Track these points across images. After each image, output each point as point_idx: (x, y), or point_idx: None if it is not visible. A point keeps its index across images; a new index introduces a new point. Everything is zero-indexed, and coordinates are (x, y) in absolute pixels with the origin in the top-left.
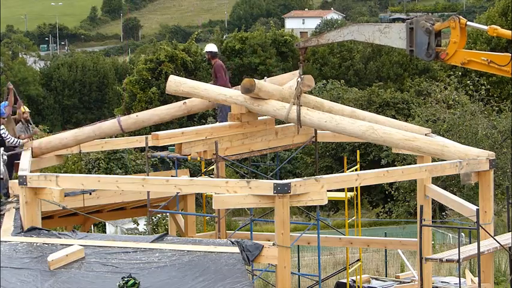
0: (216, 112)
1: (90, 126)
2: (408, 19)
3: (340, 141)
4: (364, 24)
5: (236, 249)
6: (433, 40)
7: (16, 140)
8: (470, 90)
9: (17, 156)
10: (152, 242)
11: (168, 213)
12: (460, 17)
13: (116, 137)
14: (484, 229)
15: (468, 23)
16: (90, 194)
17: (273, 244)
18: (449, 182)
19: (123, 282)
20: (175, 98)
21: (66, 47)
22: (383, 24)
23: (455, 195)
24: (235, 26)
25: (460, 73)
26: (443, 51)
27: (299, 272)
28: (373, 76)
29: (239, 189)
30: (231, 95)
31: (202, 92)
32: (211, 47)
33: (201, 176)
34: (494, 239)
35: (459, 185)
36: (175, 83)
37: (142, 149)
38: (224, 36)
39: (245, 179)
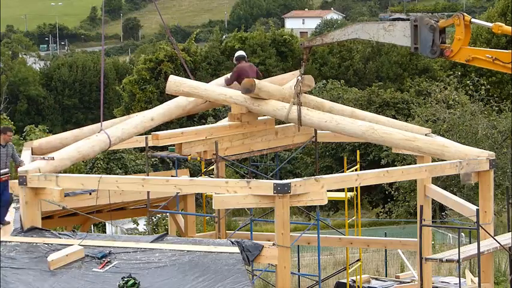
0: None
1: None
2: (408, 19)
3: (340, 141)
4: (369, 22)
5: (236, 249)
6: (437, 37)
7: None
8: (470, 90)
9: None
10: (152, 242)
11: (168, 213)
12: (465, 14)
13: None
14: (484, 229)
15: (472, 20)
16: (90, 194)
17: (273, 244)
18: (449, 182)
19: (123, 282)
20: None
21: (66, 47)
22: (387, 22)
23: (455, 195)
24: (235, 26)
25: (459, 73)
26: (448, 48)
27: (299, 272)
28: (373, 76)
29: (239, 189)
30: (231, 95)
31: (202, 92)
32: (238, 53)
33: (201, 176)
34: (494, 239)
35: (459, 185)
36: (176, 83)
37: (142, 149)
38: (224, 36)
39: (245, 179)
